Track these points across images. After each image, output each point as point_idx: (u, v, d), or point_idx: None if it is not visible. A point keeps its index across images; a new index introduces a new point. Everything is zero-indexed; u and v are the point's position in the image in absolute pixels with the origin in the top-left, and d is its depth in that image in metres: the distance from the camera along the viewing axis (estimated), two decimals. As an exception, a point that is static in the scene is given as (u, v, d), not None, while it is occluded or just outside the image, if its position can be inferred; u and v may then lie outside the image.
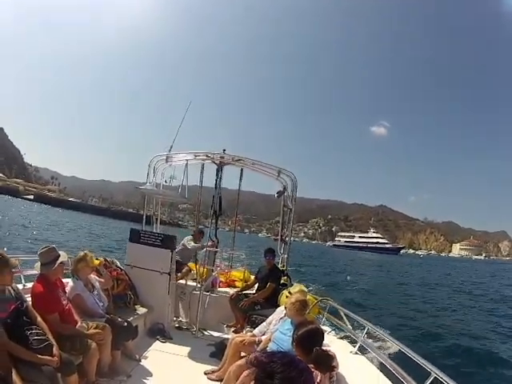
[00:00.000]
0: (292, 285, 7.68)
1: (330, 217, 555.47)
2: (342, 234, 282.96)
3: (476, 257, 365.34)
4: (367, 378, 4.66)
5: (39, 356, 3.74)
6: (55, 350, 3.92)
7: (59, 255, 4.78)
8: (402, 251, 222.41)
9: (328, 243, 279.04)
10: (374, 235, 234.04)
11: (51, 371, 3.70)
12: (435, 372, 3.88)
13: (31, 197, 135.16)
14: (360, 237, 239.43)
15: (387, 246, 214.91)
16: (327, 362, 3.85)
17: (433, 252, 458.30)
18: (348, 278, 36.00)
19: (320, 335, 4.23)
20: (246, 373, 4.57)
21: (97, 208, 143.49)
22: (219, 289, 8.40)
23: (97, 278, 5.87)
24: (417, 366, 4.30)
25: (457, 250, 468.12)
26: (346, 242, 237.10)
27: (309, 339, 4.00)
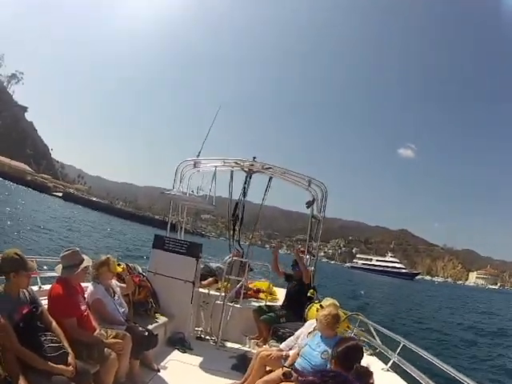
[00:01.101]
0: (318, 299, 7.28)
1: (350, 238, 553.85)
2: (360, 256, 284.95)
3: (491, 286, 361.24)
4: None
5: (52, 365, 3.44)
6: (71, 358, 3.63)
7: (83, 259, 4.55)
8: (417, 277, 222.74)
9: (346, 264, 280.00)
10: (391, 259, 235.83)
11: (64, 381, 3.41)
12: None
13: (60, 194, 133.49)
14: (377, 260, 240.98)
15: (403, 270, 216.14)
16: (367, 380, 3.57)
17: (449, 280, 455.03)
18: (362, 292, 37.01)
19: (360, 351, 3.99)
20: None
21: (124, 212, 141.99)
22: (243, 300, 8.07)
23: (118, 283, 5.65)
24: None
25: (473, 278, 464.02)
26: (363, 264, 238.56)
27: (349, 355, 3.76)
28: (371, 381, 3.64)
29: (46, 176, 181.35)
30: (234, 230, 8.41)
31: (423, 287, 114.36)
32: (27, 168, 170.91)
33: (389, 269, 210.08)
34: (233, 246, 8.25)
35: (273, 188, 8.51)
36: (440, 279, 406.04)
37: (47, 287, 4.84)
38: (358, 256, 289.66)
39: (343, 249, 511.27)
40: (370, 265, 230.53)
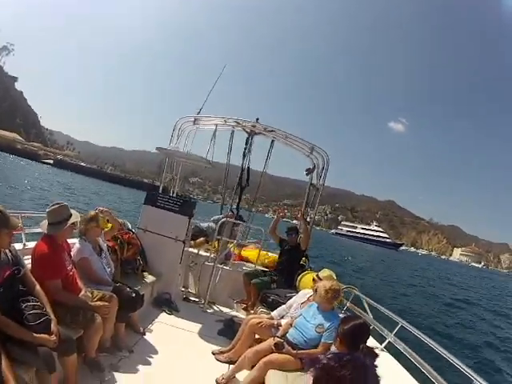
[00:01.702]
0: (310, 267, 7.39)
1: (337, 205, 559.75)
2: (346, 223, 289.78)
3: (474, 264, 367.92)
4: (397, 380, 4.23)
5: (35, 335, 3.14)
6: (53, 326, 3.34)
7: (71, 214, 4.20)
8: (401, 248, 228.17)
9: (332, 231, 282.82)
10: (376, 228, 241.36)
11: (47, 352, 3.12)
12: (478, 380, 3.49)
13: (51, 161, 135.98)
14: (362, 228, 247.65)
15: (387, 240, 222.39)
16: (374, 362, 3.43)
17: (433, 253, 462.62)
18: (350, 258, 38.45)
19: (367, 331, 3.80)
20: (264, 361, 4.17)
21: (113, 176, 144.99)
22: (233, 263, 7.93)
23: (104, 240, 5.36)
24: (453, 371, 3.95)
25: (457, 254, 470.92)
26: (348, 231, 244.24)
27: (355, 335, 3.57)
28: (375, 363, 3.53)
29: (36, 144, 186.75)
30: (240, 192, 8.36)
31: (407, 258, 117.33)
32: (17, 137, 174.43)
33: (373, 237, 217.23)
34: (228, 207, 8.12)
35: (262, 154, 8.43)
36: (424, 252, 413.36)
37: (32, 244, 4.53)
38: (343, 223, 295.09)
39: (329, 215, 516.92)
40: (354, 232, 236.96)
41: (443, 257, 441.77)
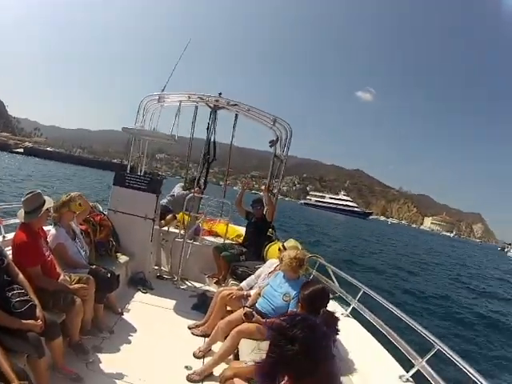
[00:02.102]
0: (277, 238, 7.57)
1: (305, 175, 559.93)
2: (314, 193, 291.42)
3: (446, 233, 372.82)
4: (362, 344, 4.52)
5: (23, 321, 3.32)
6: (39, 311, 3.52)
7: (45, 201, 4.34)
8: (370, 217, 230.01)
9: (300, 201, 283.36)
10: (344, 198, 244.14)
11: (36, 338, 3.31)
12: (439, 345, 3.71)
13: (21, 150, 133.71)
14: (330, 198, 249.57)
15: (356, 209, 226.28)
16: (335, 325, 3.71)
17: (403, 222, 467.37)
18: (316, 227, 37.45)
19: (327, 296, 4.12)
20: (235, 330, 4.43)
21: (83, 159, 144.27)
22: (202, 238, 8.15)
23: (77, 224, 5.47)
24: (416, 335, 4.16)
25: (428, 223, 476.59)
26: (316, 201, 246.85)
27: (316, 300, 3.88)
28: (336, 327, 3.81)
29: (5, 134, 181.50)
30: (204, 167, 8.38)
31: (376, 226, 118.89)
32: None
33: (342, 207, 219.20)
34: (197, 183, 8.18)
35: (225, 127, 8.47)
36: (395, 221, 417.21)
37: (10, 236, 4.74)
38: (311, 193, 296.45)
39: (298, 186, 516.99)
40: (323, 202, 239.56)
41: (414, 226, 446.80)
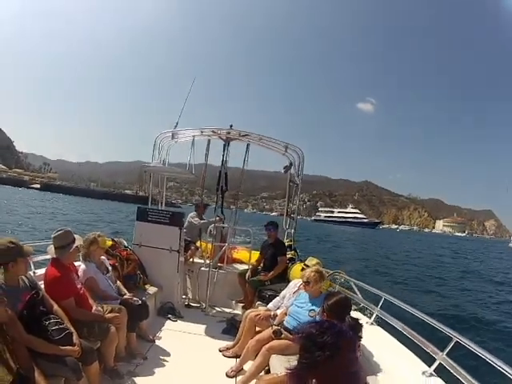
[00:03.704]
0: (300, 260, 7.56)
1: (315, 192, 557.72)
2: (323, 209, 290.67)
3: (458, 234, 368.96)
4: (386, 347, 4.60)
5: (61, 347, 3.48)
6: (75, 338, 3.68)
7: (75, 238, 4.54)
8: (379, 226, 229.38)
9: (311, 218, 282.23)
10: (352, 210, 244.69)
11: (74, 362, 3.46)
12: (456, 336, 3.83)
13: (37, 186, 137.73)
14: (339, 212, 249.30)
15: (364, 220, 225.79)
16: (359, 331, 3.90)
17: (415, 228, 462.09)
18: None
19: (349, 304, 4.22)
20: (266, 347, 4.58)
21: (99, 192, 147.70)
22: (227, 265, 8.23)
23: (106, 259, 5.74)
24: (436, 332, 4.26)
25: (440, 226, 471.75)
26: (325, 216, 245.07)
27: (340, 308, 3.98)
28: (360, 334, 3.99)
29: (19, 170, 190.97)
30: (217, 196, 8.40)
31: (383, 235, 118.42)
32: (0, 166, 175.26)
33: (350, 219, 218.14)
34: (215, 212, 8.24)
35: (237, 150, 8.51)
36: (406, 227, 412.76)
37: (41, 271, 4.89)
38: (320, 209, 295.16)
39: (308, 203, 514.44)
40: (332, 217, 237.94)
41: (426, 230, 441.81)
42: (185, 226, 8.22)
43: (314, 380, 2.14)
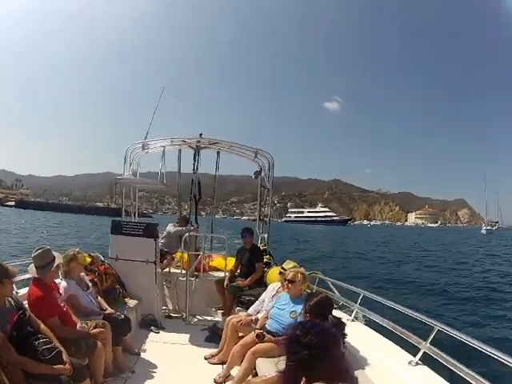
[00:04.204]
0: (276, 263, 7.71)
1: (284, 193, 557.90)
2: (293, 210, 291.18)
3: (431, 225, 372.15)
4: (370, 342, 4.73)
5: (53, 367, 3.48)
6: (65, 356, 3.67)
7: (54, 257, 4.54)
8: (349, 222, 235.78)
9: (281, 219, 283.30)
10: (322, 209, 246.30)
11: (66, 380, 3.47)
12: (437, 325, 3.99)
13: (12, 203, 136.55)
14: (309, 211, 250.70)
15: (334, 218, 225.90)
16: (342, 329, 4.00)
17: (387, 222, 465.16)
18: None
19: (331, 303, 4.37)
20: (250, 351, 4.64)
21: (72, 207, 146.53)
22: (203, 273, 8.17)
23: (85, 275, 5.71)
24: (418, 323, 4.45)
25: (412, 219, 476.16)
26: (296, 217, 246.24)
27: (322, 307, 4.11)
28: (344, 331, 4.09)
29: None
30: (191, 206, 8.49)
31: (353, 231, 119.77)
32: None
33: (320, 218, 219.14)
34: (189, 221, 8.26)
35: (206, 156, 8.57)
36: (378, 222, 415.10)
37: (23, 291, 4.89)
38: (290, 210, 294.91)
39: (278, 205, 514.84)
40: (302, 217, 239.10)
41: (398, 223, 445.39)
42: (163, 235, 8.46)
43: (303, 379, 2.27)
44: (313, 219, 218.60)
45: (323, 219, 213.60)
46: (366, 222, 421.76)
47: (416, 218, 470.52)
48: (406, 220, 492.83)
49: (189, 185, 8.27)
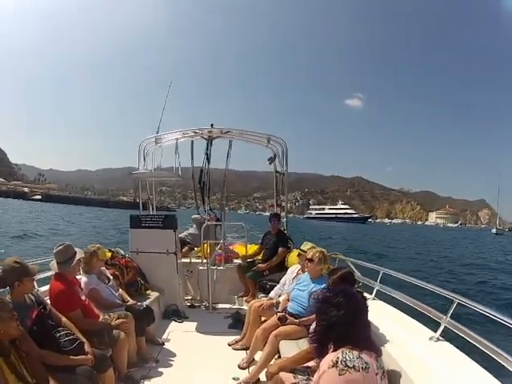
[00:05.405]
0: (296, 247, 7.56)
1: (306, 190, 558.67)
2: (314, 206, 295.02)
3: (450, 225, 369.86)
4: (391, 319, 4.66)
5: (73, 357, 3.51)
6: (87, 347, 3.70)
7: (76, 252, 4.58)
8: (369, 220, 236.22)
9: (302, 216, 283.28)
10: (342, 206, 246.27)
11: (89, 371, 3.49)
12: (457, 298, 3.92)
13: (39, 197, 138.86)
14: (330, 208, 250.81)
15: (354, 216, 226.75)
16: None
17: (407, 221, 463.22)
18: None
19: (353, 277, 4.33)
20: (273, 334, 4.62)
21: (98, 201, 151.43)
22: (224, 262, 8.23)
23: (105, 269, 5.76)
24: (438, 297, 4.39)
25: (433, 218, 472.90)
26: (317, 213, 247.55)
27: (345, 280, 4.07)
28: (367, 306, 4.05)
29: (17, 183, 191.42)
30: (203, 196, 8.52)
31: (372, 229, 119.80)
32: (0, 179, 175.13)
33: (341, 215, 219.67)
34: (206, 211, 8.37)
35: (224, 152, 8.67)
36: (399, 221, 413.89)
37: (43, 288, 4.88)
38: (311, 207, 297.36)
39: (300, 201, 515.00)
40: (323, 213, 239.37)
41: (419, 223, 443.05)
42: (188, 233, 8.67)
43: (331, 345, 2.35)
44: (333, 216, 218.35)
45: (343, 216, 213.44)
46: (386, 220, 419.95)
47: (436, 217, 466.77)
48: (427, 219, 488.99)
49: (201, 178, 8.34)
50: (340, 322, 2.33)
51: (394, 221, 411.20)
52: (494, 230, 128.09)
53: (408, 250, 44.49)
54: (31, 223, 44.21)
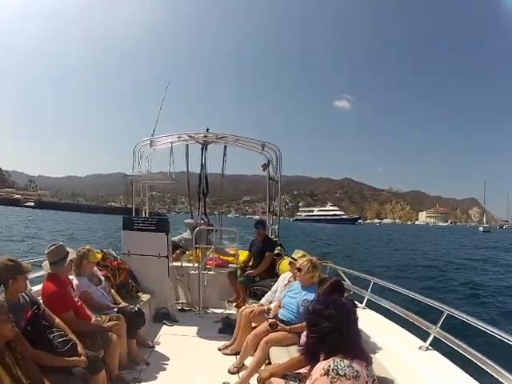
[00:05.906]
0: (286, 254, 7.63)
1: (296, 192, 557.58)
2: (303, 208, 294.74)
3: (441, 224, 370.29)
4: (381, 328, 4.76)
5: (67, 359, 3.52)
6: (80, 348, 3.71)
7: (68, 252, 4.58)
8: (358, 221, 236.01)
9: (292, 218, 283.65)
10: (331, 208, 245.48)
11: (82, 372, 3.50)
12: (447, 309, 4.00)
13: (32, 204, 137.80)
14: (319, 210, 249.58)
15: (343, 217, 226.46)
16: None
17: (397, 221, 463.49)
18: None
19: (342, 286, 4.40)
20: (264, 340, 4.63)
21: (90, 207, 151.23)
22: (215, 267, 8.22)
23: (98, 270, 5.75)
24: (428, 308, 4.49)
25: (423, 217, 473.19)
26: (306, 216, 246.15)
27: (335, 289, 4.14)
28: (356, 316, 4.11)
29: (9, 190, 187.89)
30: (199, 200, 8.54)
31: (361, 230, 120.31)
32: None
33: (330, 217, 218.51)
34: (199, 215, 8.41)
35: (213, 156, 8.69)
36: (388, 221, 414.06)
37: (36, 288, 4.92)
38: (300, 209, 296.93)
39: (290, 204, 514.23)
40: (312, 215, 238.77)
41: (409, 222, 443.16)
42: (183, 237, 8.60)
43: (322, 354, 2.34)
44: (322, 218, 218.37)
45: (332, 218, 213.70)
46: (376, 220, 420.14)
47: (426, 216, 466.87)
48: (417, 219, 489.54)
49: (198, 182, 8.37)
50: (331, 333, 2.39)
51: (384, 221, 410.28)
52: (481, 228, 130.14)
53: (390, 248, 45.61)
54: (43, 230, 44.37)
